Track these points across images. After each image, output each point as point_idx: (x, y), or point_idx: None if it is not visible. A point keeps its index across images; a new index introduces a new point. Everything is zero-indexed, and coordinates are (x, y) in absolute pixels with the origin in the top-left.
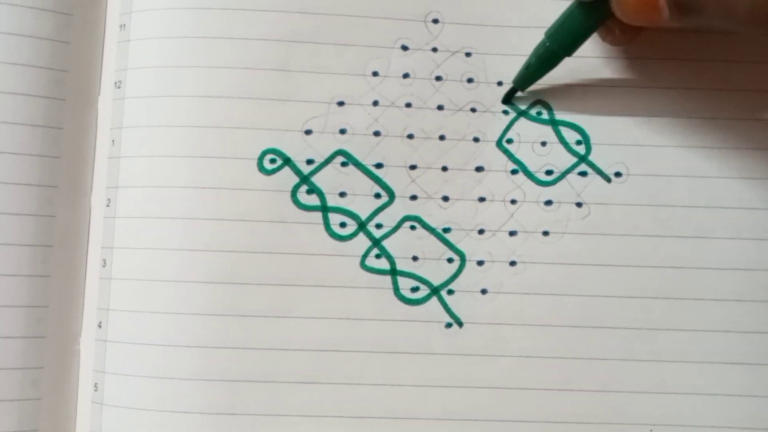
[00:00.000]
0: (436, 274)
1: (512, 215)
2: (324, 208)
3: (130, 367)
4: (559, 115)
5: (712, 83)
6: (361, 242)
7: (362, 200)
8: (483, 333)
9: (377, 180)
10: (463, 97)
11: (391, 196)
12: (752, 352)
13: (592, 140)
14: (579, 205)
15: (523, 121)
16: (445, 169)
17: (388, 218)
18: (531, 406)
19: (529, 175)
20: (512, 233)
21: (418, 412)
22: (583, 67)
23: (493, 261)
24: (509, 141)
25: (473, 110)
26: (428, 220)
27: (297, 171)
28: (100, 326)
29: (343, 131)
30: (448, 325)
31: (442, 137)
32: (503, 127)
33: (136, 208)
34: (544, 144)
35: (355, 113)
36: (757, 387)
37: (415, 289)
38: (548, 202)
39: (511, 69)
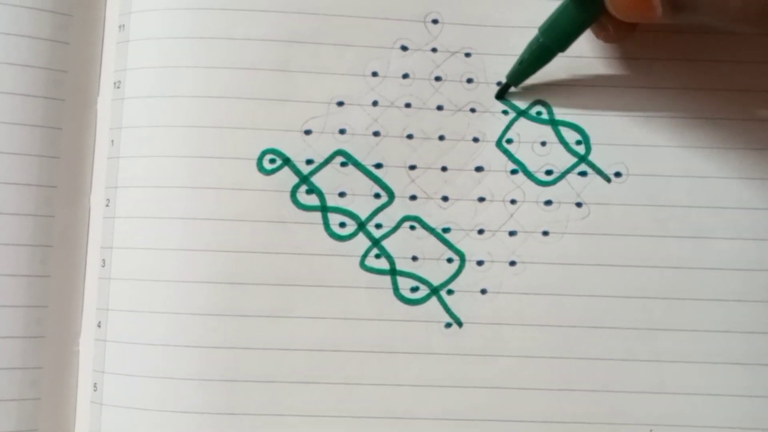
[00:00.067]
0: (436, 274)
1: (512, 215)
2: (323, 208)
3: (130, 367)
4: (559, 115)
5: (712, 83)
6: (361, 242)
7: (362, 200)
8: (483, 333)
9: (377, 180)
10: (463, 98)
11: (391, 196)
12: (752, 352)
13: (592, 140)
14: (579, 205)
15: (522, 121)
16: (444, 169)
17: (387, 218)
18: (531, 406)
19: (529, 175)
20: (512, 233)
21: (417, 412)
22: (583, 67)
23: (492, 261)
24: (509, 141)
25: (473, 110)
26: (428, 220)
27: (296, 171)
28: (99, 326)
29: (342, 131)
30: (448, 325)
31: (441, 137)
32: (503, 127)
33: (135, 208)
34: (543, 144)
35: (355, 113)
36: (757, 387)
37: (414, 289)
38: (548, 202)
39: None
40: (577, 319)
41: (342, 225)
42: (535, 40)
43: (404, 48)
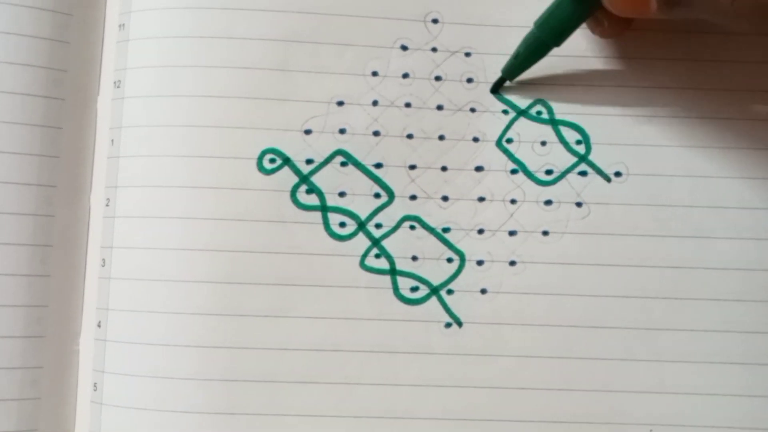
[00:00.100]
0: (436, 273)
1: (512, 215)
2: (323, 208)
3: (130, 367)
4: (559, 115)
5: (712, 83)
6: (361, 242)
7: (362, 200)
8: (482, 333)
9: (377, 180)
10: (463, 97)
11: (391, 195)
12: (752, 352)
13: (592, 140)
14: (579, 204)
15: (522, 121)
16: (444, 169)
17: (387, 218)
18: (530, 406)
19: (529, 174)
20: (512, 233)
21: (417, 412)
22: (583, 67)
23: (492, 261)
24: (509, 141)
25: (473, 110)
26: (428, 220)
27: (296, 171)
28: (99, 326)
29: (342, 131)
30: (448, 325)
31: (441, 137)
32: (503, 126)
33: (135, 208)
34: (543, 144)
35: (355, 113)
36: (757, 387)
37: (414, 289)
38: (548, 202)
39: None
40: (577, 319)
41: (342, 225)
42: (531, 34)
43: (404, 48)
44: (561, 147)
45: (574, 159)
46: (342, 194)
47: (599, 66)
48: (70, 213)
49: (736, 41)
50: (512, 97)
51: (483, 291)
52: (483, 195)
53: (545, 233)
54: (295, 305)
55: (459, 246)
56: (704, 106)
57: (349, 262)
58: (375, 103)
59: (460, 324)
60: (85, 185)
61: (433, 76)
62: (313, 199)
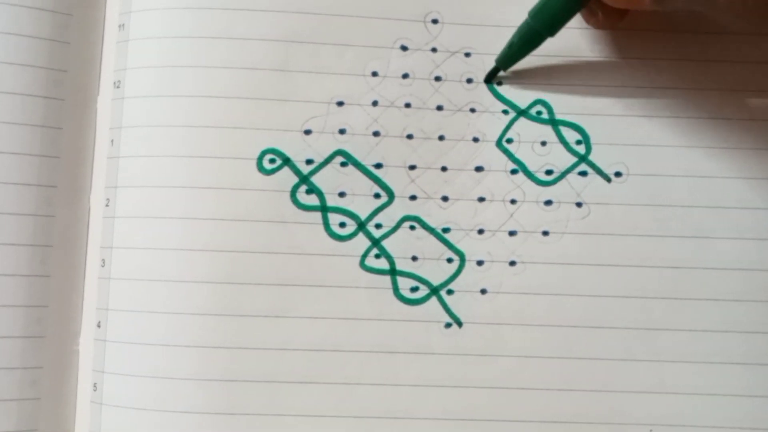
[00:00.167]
0: (436, 274)
1: (512, 215)
2: (323, 208)
3: (129, 367)
4: (559, 115)
5: (712, 83)
6: (361, 242)
7: (362, 200)
8: (482, 333)
9: (377, 180)
10: (463, 98)
11: (391, 196)
12: (752, 352)
13: (592, 140)
14: (579, 205)
15: (522, 121)
16: (444, 169)
17: (387, 218)
18: (530, 406)
19: (529, 174)
20: (512, 233)
21: (417, 412)
22: (583, 67)
23: (492, 261)
24: (509, 141)
25: (473, 110)
26: (428, 220)
27: (296, 171)
28: (99, 326)
29: (342, 131)
30: (448, 325)
31: (441, 137)
32: (503, 126)
33: (135, 208)
34: (544, 144)
35: (355, 113)
36: (757, 387)
37: (414, 289)
38: (548, 202)
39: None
40: (577, 319)
41: (342, 225)
42: (525, 23)
43: (404, 48)
44: (561, 147)
45: (574, 159)
46: (342, 194)
47: (599, 66)
48: (70, 213)
49: (736, 41)
50: (512, 97)
51: (483, 291)
52: (483, 195)
53: (545, 233)
54: (295, 305)
55: (459, 246)
56: (704, 106)
57: (349, 263)
58: (375, 103)
59: (460, 324)
60: (85, 185)
61: (432, 77)
62: (313, 200)
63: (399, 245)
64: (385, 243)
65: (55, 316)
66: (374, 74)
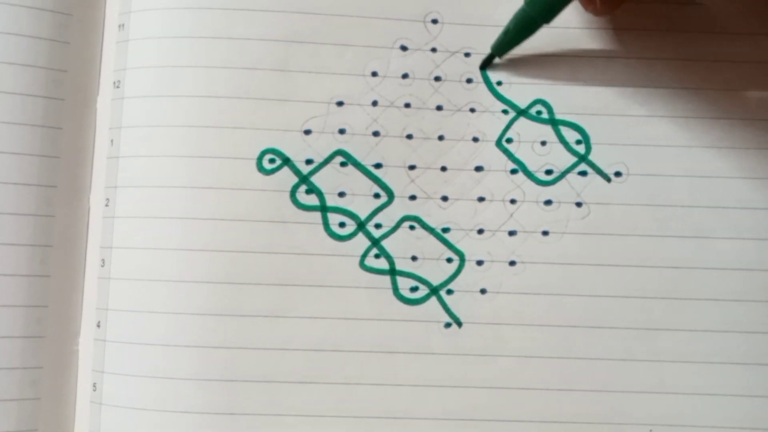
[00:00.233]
0: (436, 273)
1: (512, 215)
2: (323, 208)
3: (129, 367)
4: (559, 115)
5: (712, 83)
6: (361, 242)
7: (361, 200)
8: (482, 333)
9: (376, 180)
10: (462, 98)
11: (391, 196)
12: (752, 352)
13: (592, 140)
14: (579, 204)
15: (522, 121)
16: (444, 169)
17: (387, 218)
18: (530, 406)
19: (529, 174)
20: (512, 233)
21: (417, 412)
22: (584, 66)
23: (492, 261)
24: (509, 140)
25: (472, 110)
26: (427, 220)
27: (296, 171)
28: (99, 326)
29: (342, 131)
30: (448, 325)
31: (441, 137)
32: (503, 126)
33: (135, 208)
34: (543, 143)
35: (355, 113)
36: (757, 387)
37: (414, 289)
38: (548, 202)
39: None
40: (577, 319)
41: (342, 225)
42: (521, 10)
43: (404, 48)
44: (561, 147)
45: (574, 159)
46: (342, 194)
47: (599, 66)
48: (70, 213)
49: (736, 41)
50: (512, 97)
51: (483, 291)
52: (483, 195)
53: (545, 233)
54: (295, 305)
55: (459, 246)
56: (704, 106)
57: (349, 262)
58: (375, 103)
59: (459, 324)
60: (84, 185)
61: (432, 77)
62: (312, 200)
63: (399, 245)
64: (384, 243)
65: (55, 316)
66: (374, 74)
